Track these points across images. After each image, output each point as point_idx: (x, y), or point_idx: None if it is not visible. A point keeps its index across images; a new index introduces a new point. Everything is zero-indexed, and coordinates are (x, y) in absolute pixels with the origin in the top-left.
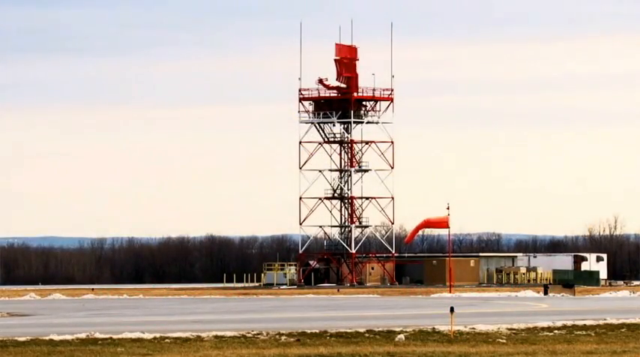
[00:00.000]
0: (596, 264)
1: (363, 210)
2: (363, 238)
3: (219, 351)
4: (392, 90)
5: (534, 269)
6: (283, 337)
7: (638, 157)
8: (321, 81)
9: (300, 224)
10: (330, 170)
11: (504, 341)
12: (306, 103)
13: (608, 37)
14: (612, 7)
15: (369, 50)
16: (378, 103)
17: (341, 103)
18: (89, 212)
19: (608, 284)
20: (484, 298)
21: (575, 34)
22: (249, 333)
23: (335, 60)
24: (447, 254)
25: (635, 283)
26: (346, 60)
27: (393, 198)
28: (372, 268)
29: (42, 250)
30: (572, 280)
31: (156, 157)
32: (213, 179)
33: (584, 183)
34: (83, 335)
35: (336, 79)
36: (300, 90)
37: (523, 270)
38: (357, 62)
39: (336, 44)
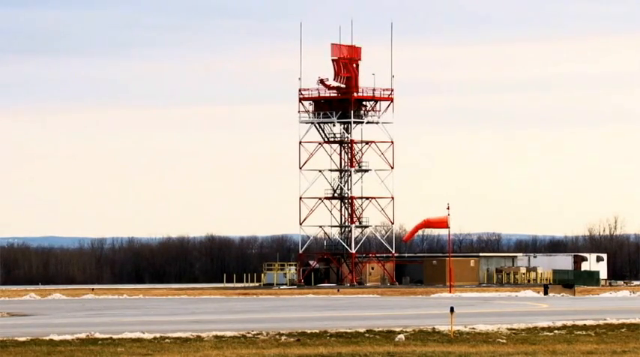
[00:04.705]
0: (596, 264)
1: (363, 210)
2: (363, 238)
3: (219, 351)
4: (392, 90)
5: (534, 269)
6: (283, 337)
7: (638, 157)
8: (322, 81)
9: (300, 224)
10: (330, 170)
11: (504, 341)
12: (306, 103)
13: (617, 37)
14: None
15: (369, 50)
16: (378, 103)
17: (341, 103)
18: (89, 212)
19: (608, 284)
20: (484, 298)
21: (578, 34)
22: (249, 333)
23: (333, 60)
24: (447, 254)
25: (635, 283)
26: (344, 60)
27: (393, 198)
28: (372, 268)
29: (42, 250)
30: (572, 280)
31: (156, 157)
32: (213, 179)
33: (583, 183)
34: (83, 335)
35: (334, 79)
36: (300, 90)
37: (523, 270)
38: (358, 62)
39: (333, 44)
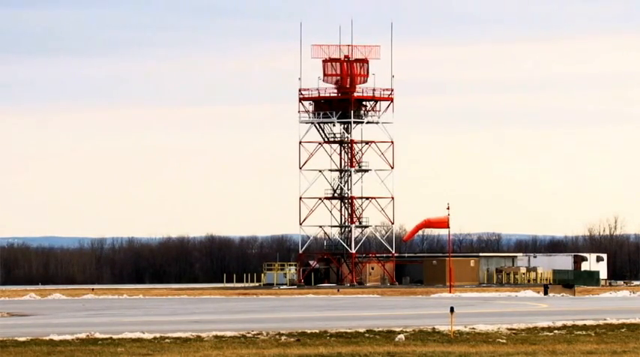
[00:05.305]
0: (596, 264)
1: (363, 210)
2: (363, 238)
3: (219, 351)
4: (392, 90)
5: (534, 269)
6: (283, 337)
7: (638, 157)
8: (336, 81)
9: (300, 224)
10: (330, 170)
11: (504, 341)
12: (306, 103)
13: (617, 36)
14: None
15: (369, 50)
16: (378, 103)
17: (341, 103)
18: (89, 212)
19: (608, 284)
20: (484, 298)
21: (578, 34)
22: (249, 333)
23: (323, 61)
24: (447, 254)
25: (635, 283)
26: (339, 60)
27: (393, 198)
28: (372, 268)
29: (42, 250)
30: (572, 280)
31: (156, 157)
32: (214, 179)
33: (583, 183)
34: (83, 335)
35: (323, 80)
36: (300, 90)
37: (523, 270)
38: (368, 61)
39: (313, 45)
